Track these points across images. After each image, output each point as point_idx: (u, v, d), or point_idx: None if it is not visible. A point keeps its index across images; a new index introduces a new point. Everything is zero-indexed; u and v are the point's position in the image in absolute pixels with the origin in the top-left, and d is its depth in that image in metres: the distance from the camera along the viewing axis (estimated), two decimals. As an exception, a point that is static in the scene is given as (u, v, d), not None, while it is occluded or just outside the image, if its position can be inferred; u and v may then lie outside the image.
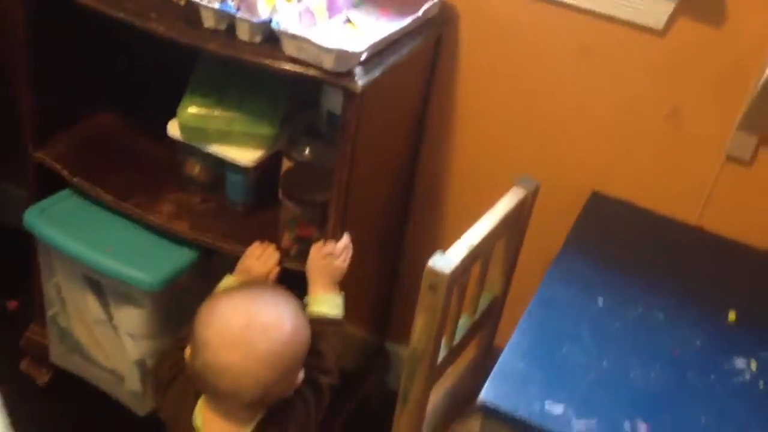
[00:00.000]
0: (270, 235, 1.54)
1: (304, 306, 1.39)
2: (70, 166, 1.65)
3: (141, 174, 1.67)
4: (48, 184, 1.70)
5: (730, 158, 1.50)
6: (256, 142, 1.52)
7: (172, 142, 1.59)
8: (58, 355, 1.81)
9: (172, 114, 1.55)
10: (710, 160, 1.51)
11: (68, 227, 1.61)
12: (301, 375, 1.29)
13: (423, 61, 1.59)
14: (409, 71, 1.52)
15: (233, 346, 1.20)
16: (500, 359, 1.20)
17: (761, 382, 1.25)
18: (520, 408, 1.13)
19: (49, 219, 1.63)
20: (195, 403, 1.30)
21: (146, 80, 1.78)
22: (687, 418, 1.17)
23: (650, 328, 1.32)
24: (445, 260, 1.23)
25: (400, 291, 1.92)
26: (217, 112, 1.51)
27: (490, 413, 1.14)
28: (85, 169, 1.65)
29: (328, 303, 1.40)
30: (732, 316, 1.37)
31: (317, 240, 1.47)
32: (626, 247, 1.50)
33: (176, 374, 1.34)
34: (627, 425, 1.13)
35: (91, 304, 1.66)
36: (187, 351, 1.26)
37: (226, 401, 1.24)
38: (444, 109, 1.68)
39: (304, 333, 1.28)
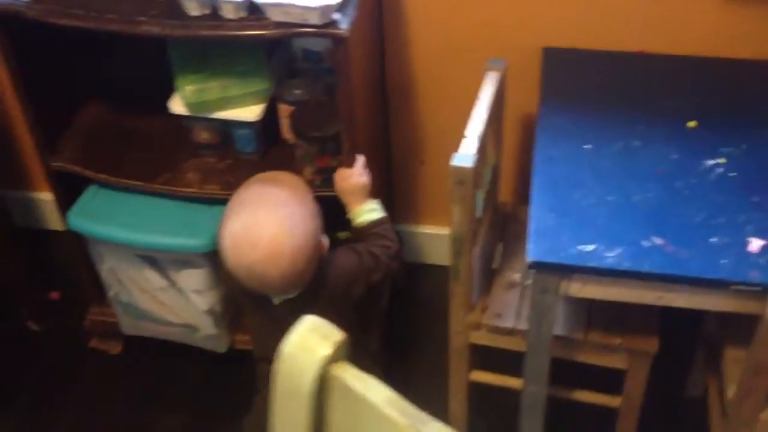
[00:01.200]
0: (291, 171, 1.73)
1: (348, 223, 1.62)
2: (89, 165, 1.79)
3: (153, 153, 1.82)
4: (66, 184, 1.85)
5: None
6: (254, 98, 1.69)
7: (169, 116, 1.75)
8: (128, 326, 2.01)
9: (153, 91, 1.70)
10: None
11: (111, 219, 1.78)
12: (325, 240, 1.51)
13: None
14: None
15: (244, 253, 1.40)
16: (531, 221, 1.46)
17: (732, 174, 1.53)
18: (561, 256, 1.40)
19: (90, 217, 1.79)
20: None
21: (114, 65, 1.90)
22: (687, 220, 1.44)
23: (632, 156, 1.58)
24: (465, 157, 1.46)
25: (397, 181, 2.16)
26: (212, 83, 1.66)
27: (539, 267, 1.40)
28: (103, 163, 1.80)
29: (367, 211, 1.62)
30: (692, 123, 1.64)
31: (335, 167, 1.68)
32: (591, 90, 1.73)
33: None
34: (646, 243, 1.41)
35: (151, 276, 1.85)
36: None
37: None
38: (396, 22, 1.86)
39: (301, 205, 1.47)
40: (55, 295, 2.29)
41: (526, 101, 1.85)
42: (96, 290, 2.04)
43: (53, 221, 2.43)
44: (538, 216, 1.47)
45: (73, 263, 2.35)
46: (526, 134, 1.98)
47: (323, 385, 0.82)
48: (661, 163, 1.57)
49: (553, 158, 1.59)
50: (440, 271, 2.20)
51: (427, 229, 2.26)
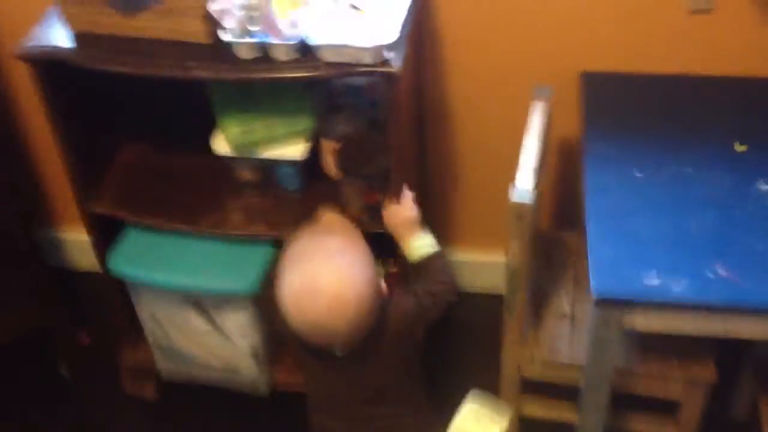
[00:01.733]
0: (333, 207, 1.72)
1: (401, 258, 1.61)
2: (130, 209, 1.77)
3: (193, 192, 1.80)
4: (103, 225, 1.82)
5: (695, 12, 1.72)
6: (299, 136, 1.68)
7: (208, 154, 1.74)
8: (167, 371, 1.98)
9: (188, 132, 1.68)
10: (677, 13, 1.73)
11: (153, 263, 1.76)
12: (382, 283, 1.49)
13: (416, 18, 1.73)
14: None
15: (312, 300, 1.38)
16: (591, 254, 1.44)
17: (787, 197, 1.53)
18: (626, 291, 1.38)
19: (132, 261, 1.77)
20: None
21: (147, 107, 1.88)
22: (749, 248, 1.43)
23: (684, 183, 1.56)
24: (524, 193, 1.45)
25: (431, 208, 2.15)
26: (257, 123, 1.64)
27: (604, 303, 1.39)
28: (144, 206, 1.77)
29: (422, 246, 1.59)
30: (741, 147, 1.63)
31: (382, 202, 1.66)
32: (634, 114, 1.72)
33: None
34: (710, 274, 1.39)
35: (194, 320, 1.83)
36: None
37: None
38: (434, 48, 1.85)
39: (357, 251, 1.45)
40: (85, 339, 2.25)
41: (564, 126, 1.84)
42: (132, 334, 2.01)
43: (78, 261, 2.40)
44: (597, 248, 1.45)
45: (101, 305, 2.34)
46: (562, 159, 1.98)
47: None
48: (714, 188, 1.55)
49: (604, 187, 1.57)
50: (474, 298, 2.19)
51: (459, 257, 2.23)
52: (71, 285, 2.36)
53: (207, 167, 1.83)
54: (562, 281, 1.81)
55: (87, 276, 2.41)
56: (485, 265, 2.19)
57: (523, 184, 1.47)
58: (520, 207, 1.44)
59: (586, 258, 1.83)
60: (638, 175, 1.59)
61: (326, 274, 1.39)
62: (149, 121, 1.90)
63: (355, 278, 1.40)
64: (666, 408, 1.73)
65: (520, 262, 1.50)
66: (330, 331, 1.39)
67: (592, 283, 1.40)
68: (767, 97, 1.75)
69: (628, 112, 1.74)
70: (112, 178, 1.83)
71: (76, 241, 2.35)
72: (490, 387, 1.88)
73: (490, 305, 2.02)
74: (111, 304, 2.23)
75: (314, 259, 1.42)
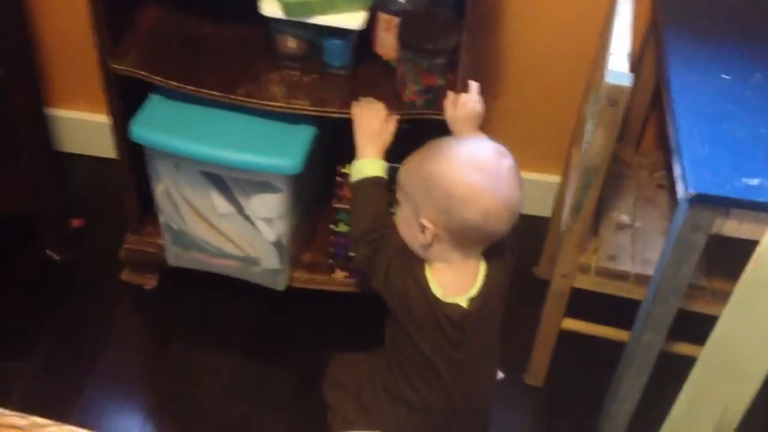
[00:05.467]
0: (384, 93, 1.56)
1: None
2: (154, 69, 1.58)
3: (227, 62, 1.62)
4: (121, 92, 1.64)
5: None
6: (357, 4, 1.50)
7: (244, 22, 1.57)
8: (174, 256, 1.82)
9: None
10: None
11: (182, 131, 1.58)
12: None
13: None
14: None
15: (498, 183, 1.25)
16: (684, 151, 1.32)
17: None
18: (726, 189, 1.27)
19: (157, 127, 1.58)
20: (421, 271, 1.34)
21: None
22: None
23: (775, 89, 1.46)
24: (622, 75, 1.31)
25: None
26: (317, -18, 1.47)
27: (702, 200, 1.27)
28: (172, 70, 1.59)
29: None
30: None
31: (442, 87, 1.51)
32: (713, 13, 1.61)
33: (391, 257, 1.36)
34: (814, 178, 1.29)
35: (216, 199, 1.66)
36: (427, 224, 1.28)
37: (487, 244, 1.32)
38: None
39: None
40: (77, 222, 2.06)
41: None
42: (138, 217, 1.83)
43: (73, 144, 2.21)
44: (689, 146, 1.33)
45: (95, 190, 2.16)
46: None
47: None
48: (805, 95, 1.45)
49: (690, 87, 1.45)
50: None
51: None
52: (64, 168, 2.17)
53: (243, 35, 1.66)
54: (620, 193, 1.69)
55: (79, 159, 2.23)
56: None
57: (619, 66, 1.33)
58: (616, 90, 1.30)
59: (648, 168, 1.73)
60: (725, 77, 1.48)
61: (486, 146, 1.30)
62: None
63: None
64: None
65: (604, 157, 1.37)
66: (513, 213, 1.28)
67: (689, 178, 1.28)
68: None
69: (705, 11, 1.61)
70: (133, 40, 1.64)
71: (73, 120, 2.16)
72: (524, 308, 1.81)
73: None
74: (107, 188, 2.07)
75: (455, 141, 1.33)
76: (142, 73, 1.58)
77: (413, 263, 1.33)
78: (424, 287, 1.32)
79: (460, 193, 1.24)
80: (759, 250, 0.63)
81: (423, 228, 1.28)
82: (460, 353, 1.35)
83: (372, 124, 1.47)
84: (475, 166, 1.26)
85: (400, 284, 1.33)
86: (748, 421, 0.72)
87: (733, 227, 1.31)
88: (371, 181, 1.42)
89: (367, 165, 1.44)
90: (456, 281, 1.32)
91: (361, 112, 1.48)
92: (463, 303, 1.32)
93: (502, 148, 1.30)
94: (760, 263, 0.63)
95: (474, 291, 1.32)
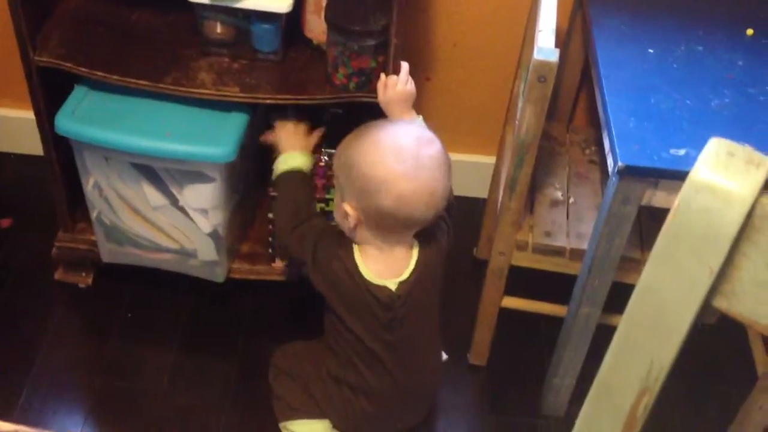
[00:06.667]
0: (315, 77, 1.55)
1: None
2: (78, 60, 1.54)
3: (153, 49, 1.58)
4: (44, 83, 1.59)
5: None
6: (284, -13, 1.49)
7: (169, 8, 1.54)
8: (108, 253, 1.78)
9: None
10: None
11: (110, 123, 1.54)
12: None
13: None
14: None
15: (415, 171, 1.25)
16: (611, 125, 1.34)
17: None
18: (653, 160, 1.29)
19: (84, 120, 1.54)
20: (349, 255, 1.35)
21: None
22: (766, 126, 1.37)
23: (698, 60, 1.49)
24: (549, 51, 1.32)
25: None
26: (240, -34, 1.45)
27: (631, 172, 1.29)
28: (96, 59, 1.55)
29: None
30: (749, 31, 1.56)
31: (374, 69, 1.51)
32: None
33: (317, 241, 1.37)
34: (739, 148, 1.31)
35: (148, 192, 1.63)
36: (348, 209, 1.29)
37: (408, 230, 1.32)
38: None
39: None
40: (5, 222, 2.01)
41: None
42: (69, 214, 1.79)
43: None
44: (618, 119, 1.35)
45: (27, 189, 2.10)
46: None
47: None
48: (729, 69, 1.49)
49: (617, 61, 1.48)
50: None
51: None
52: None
53: (169, 22, 1.63)
54: (554, 170, 1.71)
55: (6, 158, 2.17)
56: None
57: (546, 43, 1.34)
58: (544, 66, 1.31)
59: (580, 145, 1.75)
60: (651, 51, 1.50)
61: (409, 132, 1.30)
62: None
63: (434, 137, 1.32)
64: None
65: (535, 132, 1.38)
66: (432, 198, 1.28)
67: (618, 152, 1.29)
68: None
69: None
70: (53, 29, 1.59)
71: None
72: (465, 289, 1.82)
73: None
74: (36, 186, 2.02)
75: (381, 126, 1.31)
76: (66, 64, 1.53)
77: (339, 246, 1.34)
78: (351, 269, 1.33)
79: (376, 180, 1.25)
80: (678, 201, 0.64)
81: (346, 213, 1.29)
82: (392, 335, 1.36)
83: (293, 141, 1.51)
84: (393, 154, 1.26)
85: (327, 267, 1.34)
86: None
87: (662, 198, 1.33)
88: (290, 173, 1.45)
89: (288, 158, 1.47)
90: (387, 265, 1.34)
91: (279, 135, 1.52)
92: (393, 286, 1.32)
93: (427, 135, 1.31)
94: (680, 214, 0.63)
95: (405, 275, 1.33)
